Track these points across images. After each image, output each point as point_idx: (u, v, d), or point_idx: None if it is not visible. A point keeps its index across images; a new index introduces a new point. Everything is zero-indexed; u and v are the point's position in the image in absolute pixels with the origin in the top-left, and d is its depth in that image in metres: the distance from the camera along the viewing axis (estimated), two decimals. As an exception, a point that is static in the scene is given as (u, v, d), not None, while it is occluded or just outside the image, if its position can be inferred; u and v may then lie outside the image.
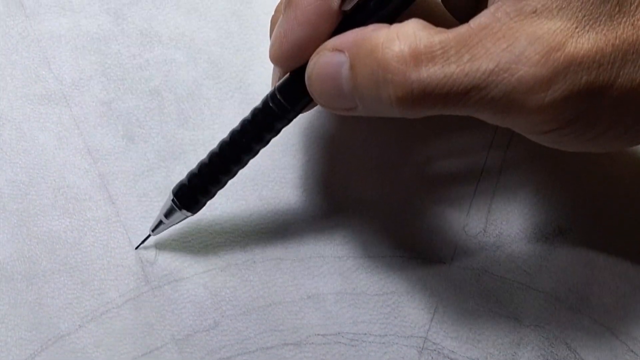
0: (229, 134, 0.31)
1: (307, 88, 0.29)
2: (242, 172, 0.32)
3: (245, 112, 0.31)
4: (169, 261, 0.34)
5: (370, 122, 0.36)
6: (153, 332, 0.33)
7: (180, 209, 0.32)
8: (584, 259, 0.35)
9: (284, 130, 0.31)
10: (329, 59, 0.28)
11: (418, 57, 0.26)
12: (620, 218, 0.35)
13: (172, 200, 0.32)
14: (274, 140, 0.31)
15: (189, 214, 0.32)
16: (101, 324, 0.32)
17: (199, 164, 0.32)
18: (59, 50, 0.37)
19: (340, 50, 0.28)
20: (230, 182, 0.32)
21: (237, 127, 0.31)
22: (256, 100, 0.31)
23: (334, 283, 0.34)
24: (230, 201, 0.35)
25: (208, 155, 0.32)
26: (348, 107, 0.29)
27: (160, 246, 0.34)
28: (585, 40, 0.26)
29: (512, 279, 0.34)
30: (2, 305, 0.32)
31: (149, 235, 0.34)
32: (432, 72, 0.26)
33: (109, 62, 0.37)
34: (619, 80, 0.27)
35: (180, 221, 0.33)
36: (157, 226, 0.33)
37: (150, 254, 0.33)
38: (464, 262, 0.35)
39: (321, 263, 0.34)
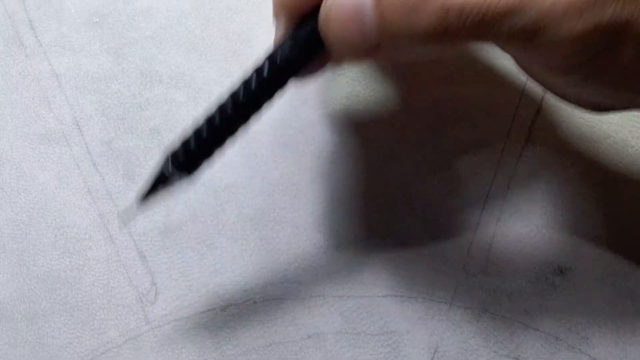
0: (229, 97, 0.29)
1: (322, 33, 0.27)
2: (242, 212, 0.33)
3: (244, 151, 0.32)
4: (169, 301, 0.35)
5: (370, 160, 0.37)
6: (153, 372, 0.34)
7: (179, 172, 0.29)
8: (584, 298, 0.35)
9: (284, 169, 0.32)
10: None
11: None
12: (621, 258, 0.36)
13: (169, 160, 0.30)
14: (274, 180, 0.32)
15: (186, 175, 0.30)
16: (101, 364, 0.34)
17: (194, 130, 0.30)
18: (59, 90, 0.37)
19: None
20: (230, 222, 0.33)
21: (239, 88, 0.29)
22: (255, 140, 0.32)
23: (334, 322, 0.35)
24: (230, 241, 0.35)
25: (206, 120, 0.29)
26: (370, 48, 0.27)
27: (160, 286, 0.35)
28: None
29: (513, 319, 0.35)
30: (2, 345, 0.33)
31: (135, 208, 0.32)
32: None
33: (109, 102, 0.37)
34: None
35: (174, 186, 0.30)
36: (148, 194, 0.30)
37: (151, 295, 0.35)
38: (464, 302, 0.35)
39: (321, 302, 0.35)
